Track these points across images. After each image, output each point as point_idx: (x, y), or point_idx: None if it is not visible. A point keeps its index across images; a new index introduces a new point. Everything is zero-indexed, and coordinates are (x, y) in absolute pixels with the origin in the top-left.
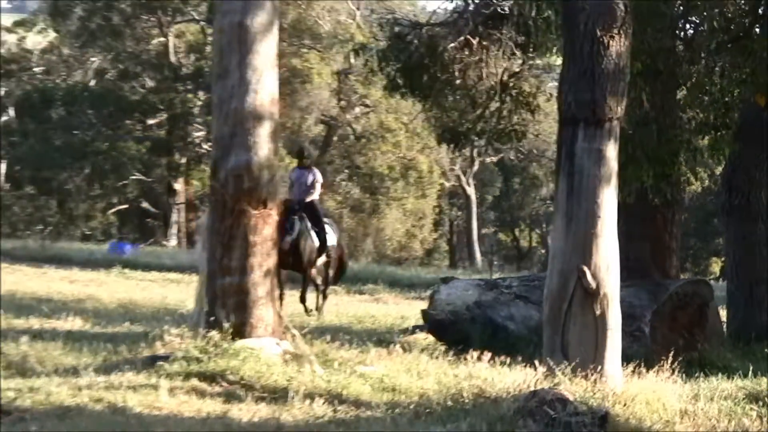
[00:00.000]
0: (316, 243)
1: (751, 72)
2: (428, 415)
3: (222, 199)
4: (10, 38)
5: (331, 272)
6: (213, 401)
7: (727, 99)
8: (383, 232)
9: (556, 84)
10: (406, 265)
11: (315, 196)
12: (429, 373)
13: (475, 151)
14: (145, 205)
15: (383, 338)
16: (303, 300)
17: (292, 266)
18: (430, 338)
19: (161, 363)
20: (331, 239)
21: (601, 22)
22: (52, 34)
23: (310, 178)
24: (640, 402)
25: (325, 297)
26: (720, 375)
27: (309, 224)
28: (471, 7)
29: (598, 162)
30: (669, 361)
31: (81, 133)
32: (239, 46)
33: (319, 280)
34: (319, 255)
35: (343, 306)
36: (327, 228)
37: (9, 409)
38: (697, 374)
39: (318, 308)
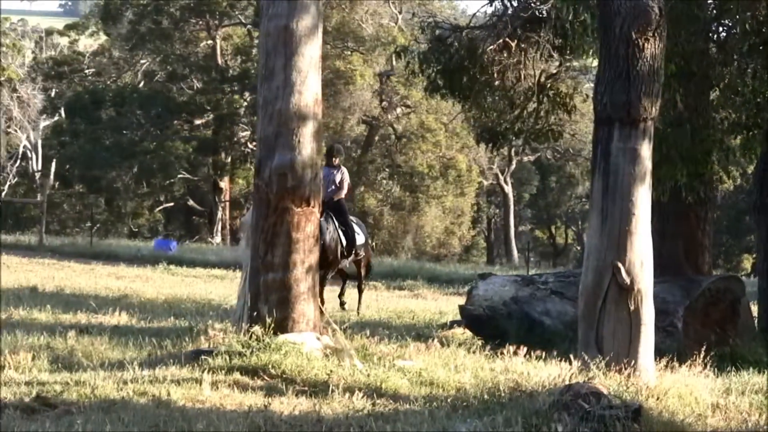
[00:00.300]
0: (344, 241)
1: None
2: (465, 409)
3: (266, 197)
4: (62, 41)
5: (363, 271)
6: (255, 395)
7: (758, 100)
8: (423, 229)
9: (592, 85)
10: (444, 262)
11: (342, 194)
12: (466, 368)
13: (513, 150)
14: (191, 203)
15: (422, 333)
16: (341, 295)
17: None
18: (468, 333)
19: (205, 357)
20: (360, 239)
21: (636, 25)
22: (102, 37)
23: (338, 177)
24: (672, 396)
25: (360, 294)
26: (751, 369)
27: (336, 223)
28: (510, 11)
29: (633, 161)
30: (701, 356)
31: (130, 133)
32: (284, 48)
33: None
34: (348, 254)
35: (382, 301)
36: (355, 227)
37: (55, 403)
38: (728, 369)
39: (356, 307)
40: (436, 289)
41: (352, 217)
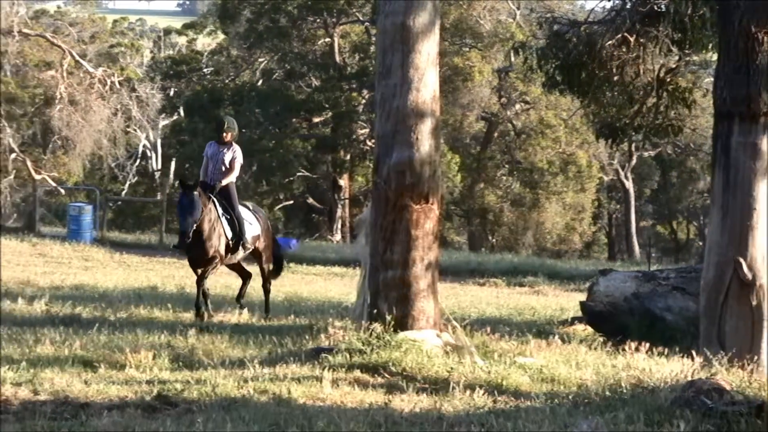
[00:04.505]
0: (229, 233)
1: None
2: (586, 406)
3: (384, 195)
4: (180, 40)
5: (265, 267)
6: (375, 392)
7: None
8: (543, 226)
9: (712, 79)
10: (565, 258)
11: (232, 177)
12: (587, 364)
13: (633, 145)
14: (310, 200)
15: (542, 329)
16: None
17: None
18: (589, 329)
19: (325, 355)
20: (253, 229)
21: (755, 19)
22: (220, 36)
23: (228, 156)
24: None
25: (266, 295)
26: None
27: (220, 211)
28: (628, 6)
29: (754, 156)
30: None
31: (248, 131)
32: (402, 45)
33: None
34: (235, 247)
35: (503, 298)
36: (249, 216)
37: (176, 401)
38: None
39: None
40: (557, 286)
41: (248, 204)
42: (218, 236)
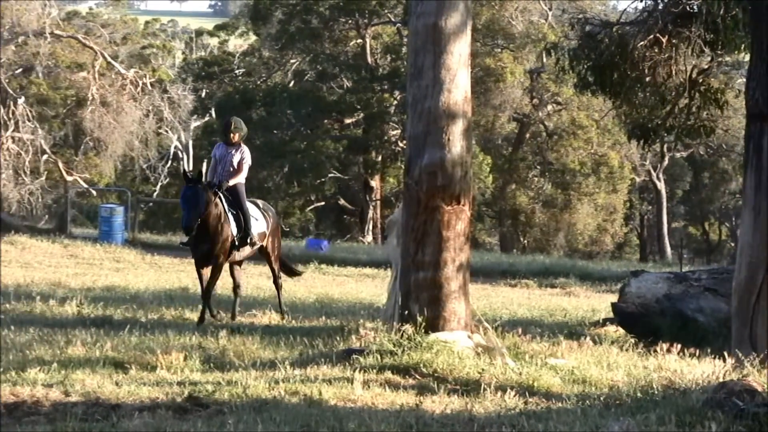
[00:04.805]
0: (234, 230)
1: None
2: (618, 407)
3: (416, 196)
4: (212, 41)
5: (275, 266)
6: (406, 394)
7: None
8: (575, 227)
9: (744, 80)
10: (597, 259)
11: (240, 178)
12: (619, 365)
13: (665, 146)
14: (342, 202)
15: (574, 331)
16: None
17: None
18: (620, 331)
19: (356, 356)
20: (259, 226)
21: None
22: (252, 37)
23: (237, 158)
24: None
25: (278, 291)
26: None
27: (226, 207)
28: (660, 6)
29: None
30: None
31: (280, 132)
32: (433, 46)
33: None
34: (241, 243)
35: (534, 299)
36: (255, 212)
37: (207, 402)
38: None
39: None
40: (589, 287)
41: (257, 201)
42: (224, 234)
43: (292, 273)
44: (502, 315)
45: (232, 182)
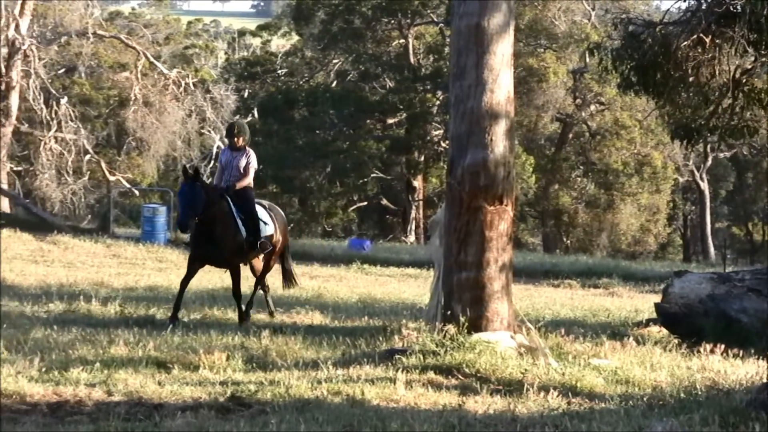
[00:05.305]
0: (244, 233)
1: None
2: (661, 408)
3: (458, 196)
4: (255, 41)
5: (289, 266)
6: (449, 394)
7: None
8: (618, 227)
9: None
10: (640, 259)
11: (247, 182)
12: (662, 366)
13: (708, 146)
14: (384, 202)
15: (617, 331)
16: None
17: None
18: (664, 331)
19: (399, 356)
20: (268, 229)
21: None
22: (294, 37)
23: (243, 162)
24: None
25: (262, 291)
26: None
27: (234, 211)
28: (704, 6)
29: None
30: None
31: (322, 132)
32: (476, 47)
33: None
34: (252, 247)
35: (577, 300)
36: (264, 215)
37: (250, 402)
38: None
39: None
40: (632, 287)
41: (263, 201)
42: (237, 241)
43: (290, 281)
44: (545, 315)
45: (238, 186)
